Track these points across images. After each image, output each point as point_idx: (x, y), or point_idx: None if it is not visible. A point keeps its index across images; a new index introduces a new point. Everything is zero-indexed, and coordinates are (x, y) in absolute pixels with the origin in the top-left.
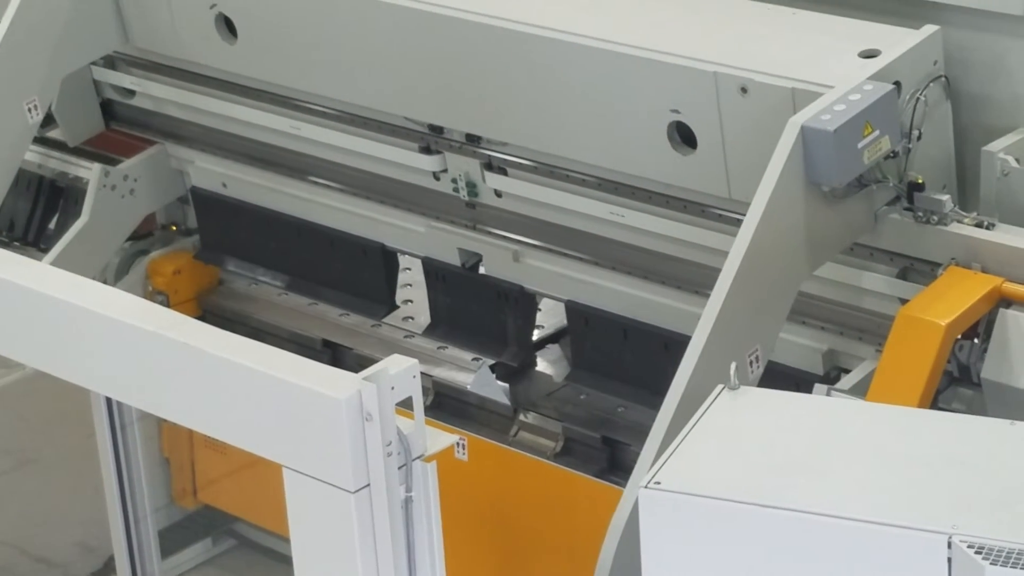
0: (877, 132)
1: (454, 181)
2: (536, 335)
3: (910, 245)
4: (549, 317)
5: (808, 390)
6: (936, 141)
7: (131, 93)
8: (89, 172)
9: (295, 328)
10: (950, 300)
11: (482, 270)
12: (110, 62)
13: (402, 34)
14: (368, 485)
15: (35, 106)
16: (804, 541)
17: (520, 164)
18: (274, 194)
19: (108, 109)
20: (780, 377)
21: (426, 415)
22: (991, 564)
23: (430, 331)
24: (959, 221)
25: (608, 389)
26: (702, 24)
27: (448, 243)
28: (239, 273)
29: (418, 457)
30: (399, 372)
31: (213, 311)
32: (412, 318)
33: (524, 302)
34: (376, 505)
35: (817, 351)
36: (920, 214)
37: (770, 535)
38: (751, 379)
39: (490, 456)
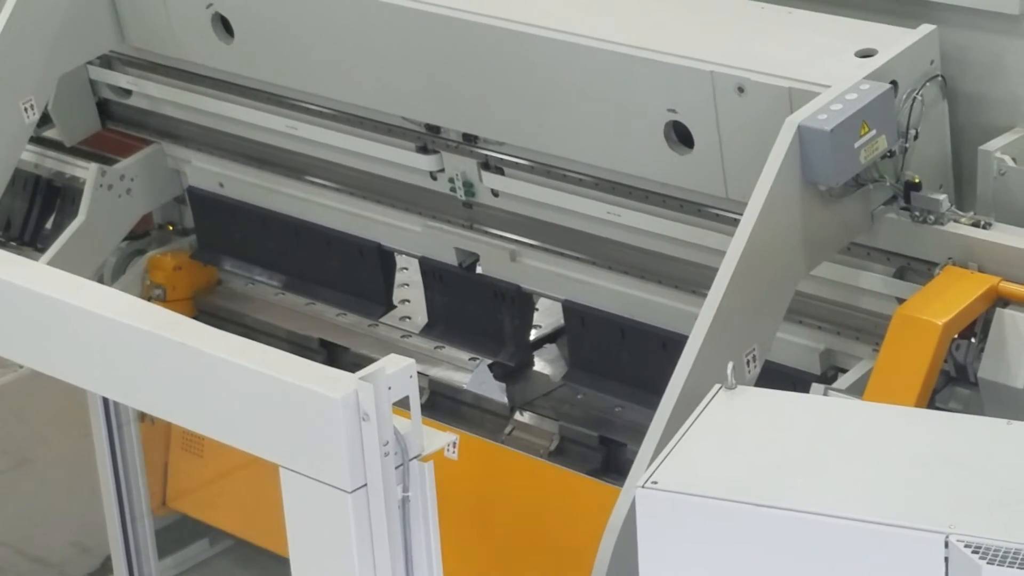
0: (874, 131)
1: (451, 181)
2: (533, 335)
3: (907, 244)
4: (546, 317)
5: (805, 390)
6: (933, 140)
7: (127, 93)
8: (86, 172)
9: (292, 328)
10: (947, 299)
11: (479, 270)
12: (106, 61)
13: (399, 34)
14: (365, 485)
15: (31, 106)
16: (801, 541)
17: (517, 164)
18: (271, 194)
19: (104, 109)
20: (777, 377)
21: (422, 415)
22: (988, 564)
23: (427, 331)
24: (956, 220)
25: (605, 389)
26: (699, 24)
27: (445, 243)
28: (236, 273)
29: (415, 457)
30: (396, 372)
31: (210, 311)
32: (409, 318)
33: (521, 302)
34: (373, 505)
35: (814, 351)
36: (917, 213)
37: (767, 535)
38: (748, 379)
39: (484, 455)
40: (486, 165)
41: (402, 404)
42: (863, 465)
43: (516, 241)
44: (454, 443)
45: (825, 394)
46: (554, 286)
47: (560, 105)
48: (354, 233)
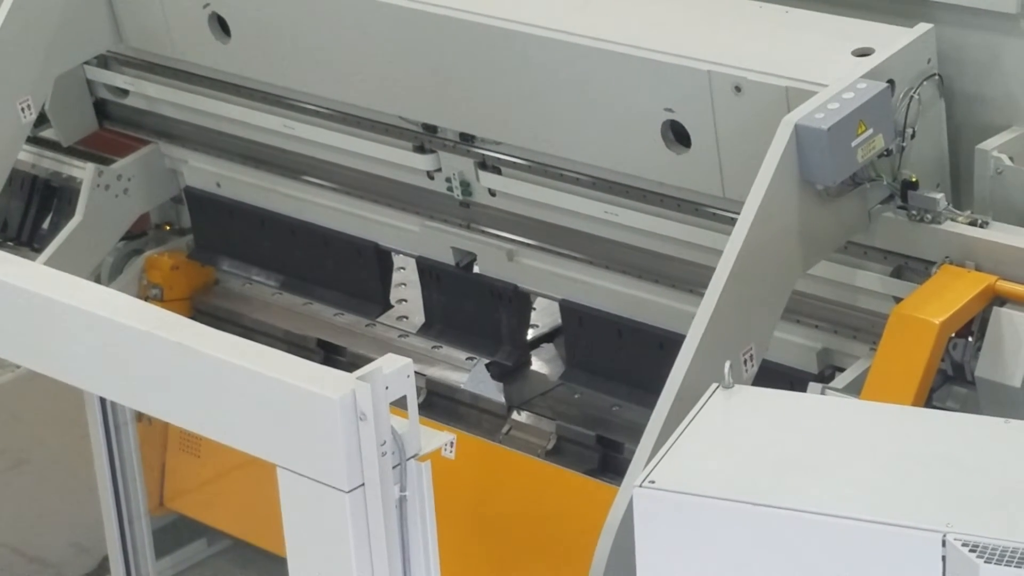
0: (871, 130)
1: (448, 180)
2: (530, 334)
3: (904, 243)
4: (543, 316)
5: (802, 389)
6: (930, 139)
7: (124, 93)
8: (83, 172)
9: (289, 328)
10: (944, 298)
11: (476, 269)
12: (103, 61)
13: (396, 33)
14: (362, 485)
15: (28, 106)
16: (798, 540)
17: (514, 163)
18: (268, 194)
19: (101, 109)
20: (774, 376)
21: (419, 414)
22: (985, 562)
23: (424, 330)
24: (953, 219)
25: (603, 388)
26: (696, 23)
27: (442, 242)
28: (233, 272)
29: (412, 456)
30: (393, 371)
31: (207, 311)
32: (406, 317)
33: (518, 301)
34: (370, 505)
35: (811, 350)
36: (914, 212)
37: (765, 534)
38: (745, 378)
39: (481, 454)
40: (483, 164)
41: (399, 404)
42: (860, 464)
43: (513, 240)
44: (451, 443)
45: (822, 393)
46: (551, 285)
47: (557, 104)
48: (351, 233)
